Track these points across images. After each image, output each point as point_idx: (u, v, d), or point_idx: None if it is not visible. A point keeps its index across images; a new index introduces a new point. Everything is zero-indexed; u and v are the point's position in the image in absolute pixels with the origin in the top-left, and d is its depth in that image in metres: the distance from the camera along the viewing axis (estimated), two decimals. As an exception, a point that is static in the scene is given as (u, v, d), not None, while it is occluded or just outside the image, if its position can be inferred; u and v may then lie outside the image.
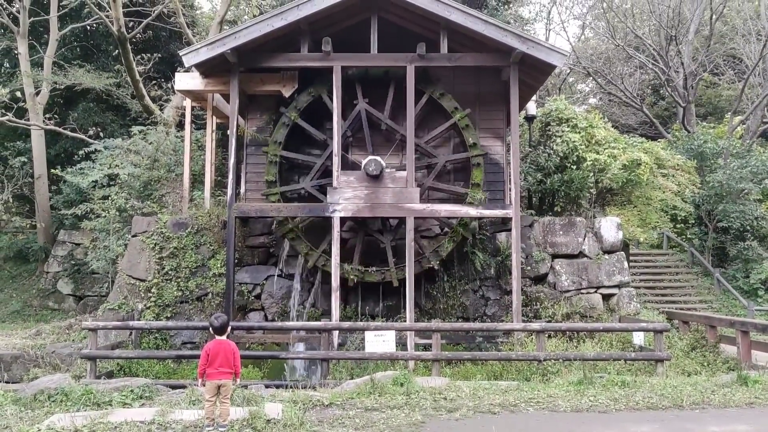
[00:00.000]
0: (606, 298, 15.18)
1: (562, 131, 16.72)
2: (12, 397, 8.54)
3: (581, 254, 15.40)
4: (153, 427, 6.85)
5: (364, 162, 13.83)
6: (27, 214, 22.38)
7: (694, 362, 12.83)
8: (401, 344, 13.11)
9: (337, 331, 13.09)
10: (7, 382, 11.51)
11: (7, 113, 18.90)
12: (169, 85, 22.43)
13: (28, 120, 21.09)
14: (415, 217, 13.74)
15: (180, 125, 19.99)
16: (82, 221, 17.57)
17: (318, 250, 14.32)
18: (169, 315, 14.48)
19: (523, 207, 16.09)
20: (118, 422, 7.03)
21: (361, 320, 14.46)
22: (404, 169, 14.01)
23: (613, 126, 22.58)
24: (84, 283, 19.35)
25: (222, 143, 18.13)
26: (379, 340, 11.84)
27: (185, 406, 7.95)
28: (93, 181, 17.10)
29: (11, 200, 19.97)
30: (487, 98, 15.52)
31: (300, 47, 14.22)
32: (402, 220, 14.29)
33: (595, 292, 15.16)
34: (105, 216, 16.37)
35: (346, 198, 13.65)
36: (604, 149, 17.62)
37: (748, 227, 20.67)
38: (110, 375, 12.06)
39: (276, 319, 14.67)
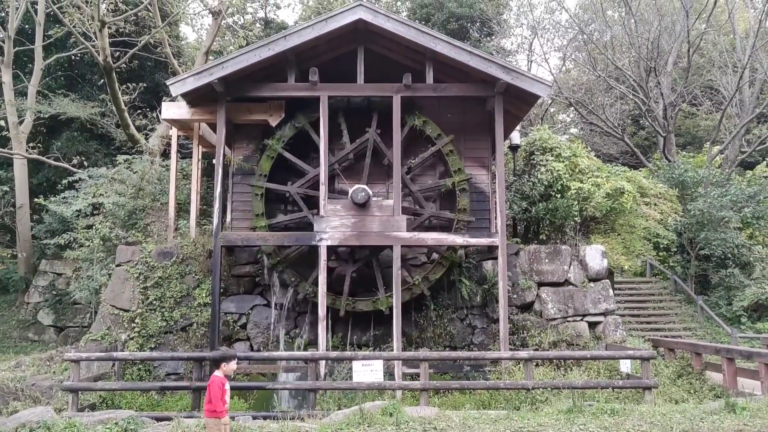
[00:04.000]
0: (592, 325, 15.22)
1: (546, 160, 16.90)
2: (-8, 432, 8.35)
3: (567, 282, 15.47)
4: (140, 460, 6.73)
5: (351, 190, 13.87)
6: (8, 243, 22.09)
7: (681, 389, 12.87)
8: (389, 373, 13.03)
9: (324, 361, 12.99)
10: (-15, 416, 11.25)
11: (-10, 142, 18.77)
12: (155, 115, 22.44)
13: (11, 149, 20.95)
14: (402, 246, 13.76)
15: (165, 154, 19.94)
16: (64, 251, 17.37)
17: (308, 282, 14.30)
18: (153, 345, 14.28)
19: (509, 235, 16.19)
20: (103, 456, 6.90)
21: (348, 349, 14.36)
22: (391, 198, 14.07)
23: (594, 155, 22.88)
24: (65, 313, 19.06)
25: (208, 172, 18.11)
26: (367, 370, 11.77)
27: (172, 438, 7.82)
28: (77, 211, 16.95)
29: (-8, 230, 19.73)
30: (472, 128, 15.69)
31: (287, 77, 14.33)
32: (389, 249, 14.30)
33: (581, 319, 15.20)
34: (89, 245, 16.20)
35: (333, 226, 13.65)
36: (588, 178, 17.82)
37: (730, 255, 20.92)
38: (93, 407, 11.84)
39: (262, 349, 14.53)
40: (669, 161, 27.10)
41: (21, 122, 21.77)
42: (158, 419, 9.77)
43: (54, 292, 19.33)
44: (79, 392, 11.51)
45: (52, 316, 19.15)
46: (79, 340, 15.54)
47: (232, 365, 7.17)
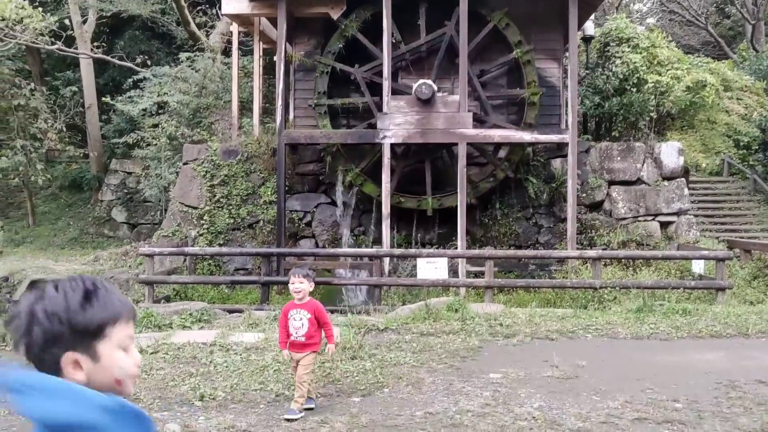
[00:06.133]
0: (664, 225, 14.72)
1: (622, 52, 15.88)
2: (76, 319, 8.77)
3: (639, 180, 14.88)
4: (215, 348, 6.96)
5: (414, 86, 13.41)
6: (79, 143, 22.69)
7: (757, 291, 12.44)
8: (452, 271, 13.01)
9: (389, 258, 13.04)
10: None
11: (56, 42, 18.91)
12: (214, 12, 22.05)
13: (76, 49, 21.11)
14: (467, 143, 13.37)
15: (226, 52, 19.72)
16: (133, 150, 17.71)
17: (356, 169, 14.13)
18: (221, 242, 14.63)
19: (580, 132, 15.49)
20: (181, 343, 7.16)
21: (411, 248, 14.38)
22: (456, 93, 13.56)
23: (674, 47, 21.38)
24: (137, 211, 19.69)
25: (269, 70, 17.84)
26: (431, 267, 11.76)
27: (244, 329, 8.05)
28: (143, 110, 17.13)
29: (64, 129, 20.19)
30: (544, 19, 14.71)
31: (348, -35, 13.66)
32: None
33: (653, 219, 14.70)
34: (156, 144, 16.45)
35: (396, 124, 13.32)
36: (667, 70, 16.70)
37: (817, 153, 19.64)
38: (167, 299, 12.33)
39: (327, 246, 14.70)
40: (756, 52, 25.17)
41: (84, 21, 21.78)
42: (230, 311, 10.11)
43: (125, 191, 19.93)
44: (154, 285, 11.95)
45: (125, 214, 19.83)
46: (151, 236, 16.10)
47: (290, 283, 5.32)
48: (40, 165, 18.60)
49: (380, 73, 13.64)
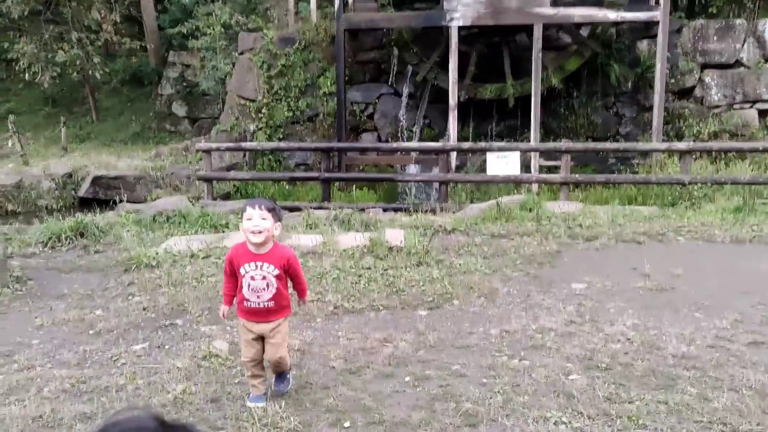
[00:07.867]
0: (763, 113, 13.22)
1: None
2: (134, 219, 8.53)
3: (738, 63, 13.27)
4: (269, 254, 6.47)
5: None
6: (137, 36, 22.08)
7: None
8: (524, 167, 12.10)
9: (456, 153, 12.21)
10: (130, 202, 11.73)
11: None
12: None
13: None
14: (543, 24, 12.05)
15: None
16: (188, 40, 17.01)
17: (428, 63, 13.06)
18: (281, 136, 14.08)
19: (671, 9, 13.78)
20: (234, 247, 6.72)
21: (479, 141, 13.46)
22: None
23: None
24: (197, 105, 19.21)
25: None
26: (502, 163, 10.92)
27: (301, 230, 7.55)
28: (196, -4, 16.29)
29: (118, 21, 19.55)
30: None
31: None
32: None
33: (751, 107, 13.21)
34: (210, 33, 15.68)
35: (464, 4, 12.09)
36: (779, -68, 14.50)
37: None
38: (227, 196, 12.00)
39: (390, 140, 13.94)
40: None
41: None
42: (290, 209, 9.63)
43: (184, 83, 19.38)
44: (213, 182, 11.58)
45: (185, 108, 19.39)
46: (211, 131, 15.68)
47: (247, 218, 3.35)
48: (97, 58, 18.17)
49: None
